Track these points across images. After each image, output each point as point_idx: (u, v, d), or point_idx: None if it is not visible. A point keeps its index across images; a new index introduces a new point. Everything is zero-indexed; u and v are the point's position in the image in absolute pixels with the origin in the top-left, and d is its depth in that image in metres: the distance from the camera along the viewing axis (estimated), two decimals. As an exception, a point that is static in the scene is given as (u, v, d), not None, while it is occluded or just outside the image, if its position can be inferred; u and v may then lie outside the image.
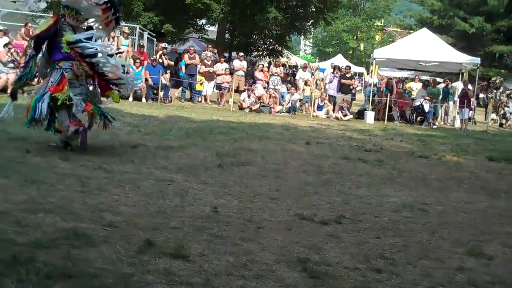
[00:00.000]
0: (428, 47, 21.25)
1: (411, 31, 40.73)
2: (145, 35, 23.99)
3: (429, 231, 6.07)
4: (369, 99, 21.11)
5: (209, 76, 20.97)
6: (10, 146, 8.28)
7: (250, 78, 22.99)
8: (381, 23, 63.37)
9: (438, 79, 25.61)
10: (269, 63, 29.21)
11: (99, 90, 8.78)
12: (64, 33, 8.21)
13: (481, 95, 27.33)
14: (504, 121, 23.51)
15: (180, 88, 21.31)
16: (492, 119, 24.21)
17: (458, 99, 21.17)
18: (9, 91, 15.70)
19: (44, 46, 8.43)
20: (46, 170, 7.09)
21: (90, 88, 8.77)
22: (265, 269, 4.45)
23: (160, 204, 6.15)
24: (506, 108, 23.42)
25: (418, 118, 21.04)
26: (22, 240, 4.49)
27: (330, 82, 21.58)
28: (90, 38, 8.14)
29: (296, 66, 33.20)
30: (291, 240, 5.29)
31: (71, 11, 8.36)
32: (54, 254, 4.26)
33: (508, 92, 24.18)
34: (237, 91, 21.06)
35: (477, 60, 21.49)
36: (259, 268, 4.45)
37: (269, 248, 4.97)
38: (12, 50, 16.76)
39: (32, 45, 8.58)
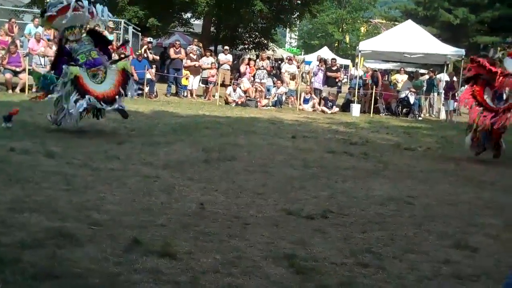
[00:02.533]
0: (413, 39, 21.31)
1: (396, 23, 40.82)
2: (130, 29, 23.84)
3: (415, 224, 6.09)
4: (353, 92, 21.17)
5: (195, 71, 20.92)
6: (-6, 145, 8.22)
7: (236, 72, 22.95)
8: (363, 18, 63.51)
9: (422, 71, 25.70)
10: (257, 56, 29.16)
11: None
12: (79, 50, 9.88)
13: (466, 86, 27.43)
14: None
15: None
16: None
17: (443, 91, 21.28)
18: None
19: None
20: (31, 168, 7.05)
21: None
22: (252, 266, 4.45)
23: (147, 201, 6.12)
24: None
25: (404, 110, 21.15)
26: (7, 240, 4.47)
27: (315, 75, 21.60)
28: None
29: (281, 59, 33.16)
30: (278, 235, 5.29)
31: (69, 29, 9.92)
32: (39, 254, 4.24)
33: None
34: (223, 85, 21.03)
35: (462, 51, 21.60)
36: (246, 265, 4.45)
37: (256, 245, 4.97)
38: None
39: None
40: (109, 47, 10.72)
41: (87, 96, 9.43)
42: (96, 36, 10.38)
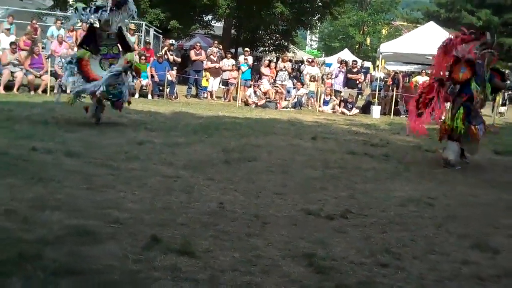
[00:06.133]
0: (435, 41, 21.08)
1: (418, 25, 40.53)
2: (151, 31, 23.98)
3: (435, 225, 6.05)
4: (374, 94, 21.08)
5: (215, 72, 21.00)
6: (17, 144, 8.29)
7: (256, 73, 22.97)
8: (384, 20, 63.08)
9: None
10: (277, 58, 29.15)
11: None
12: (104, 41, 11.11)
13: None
14: None
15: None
16: (499, 113, 24.07)
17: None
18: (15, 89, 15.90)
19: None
20: (53, 167, 7.13)
21: None
22: (271, 265, 4.46)
23: (167, 200, 6.16)
24: None
25: (425, 112, 20.95)
26: (29, 237, 4.52)
27: (336, 76, 21.56)
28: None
29: (302, 61, 33.08)
30: (297, 235, 5.29)
31: (106, 22, 11.02)
32: (60, 251, 4.29)
33: None
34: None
35: (484, 53, 21.32)
36: (265, 264, 4.46)
37: (275, 244, 4.97)
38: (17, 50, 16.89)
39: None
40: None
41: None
42: (121, 39, 11.40)
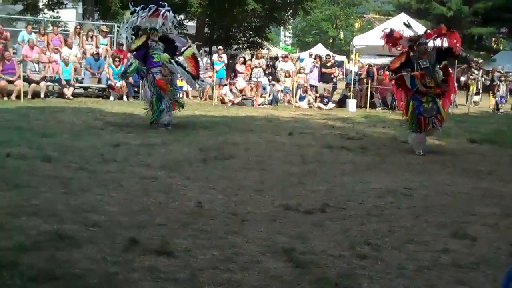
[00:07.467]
0: (407, 32, 21.27)
1: (389, 17, 40.75)
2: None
3: (413, 215, 6.10)
4: (349, 87, 21.15)
5: (190, 71, 20.87)
6: (-10, 151, 8.19)
7: (231, 71, 22.91)
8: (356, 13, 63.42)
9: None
10: (252, 55, 29.07)
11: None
12: (155, 50, 11.86)
13: (462, 78, 27.37)
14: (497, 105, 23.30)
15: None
16: (474, 101, 24.29)
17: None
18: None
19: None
20: (28, 173, 7.05)
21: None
22: (251, 261, 4.46)
23: (144, 201, 6.13)
24: (497, 92, 23.36)
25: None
26: (6, 244, 4.47)
27: (311, 71, 21.58)
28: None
29: (276, 58, 33.07)
30: (276, 231, 5.30)
31: (152, 30, 11.96)
32: (38, 257, 4.25)
33: (499, 75, 24.19)
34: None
35: (456, 43, 21.50)
36: (244, 261, 4.46)
37: (254, 240, 4.97)
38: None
39: (133, 55, 12.42)
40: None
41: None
42: (166, 42, 12.20)
